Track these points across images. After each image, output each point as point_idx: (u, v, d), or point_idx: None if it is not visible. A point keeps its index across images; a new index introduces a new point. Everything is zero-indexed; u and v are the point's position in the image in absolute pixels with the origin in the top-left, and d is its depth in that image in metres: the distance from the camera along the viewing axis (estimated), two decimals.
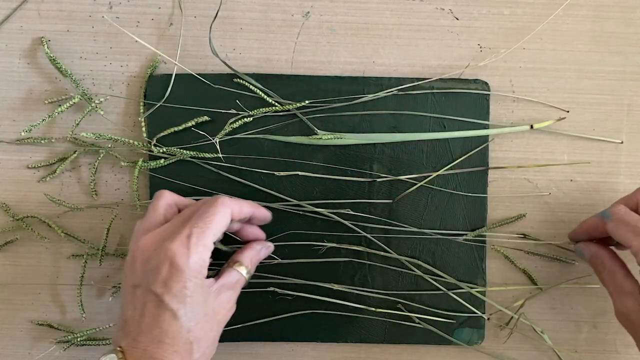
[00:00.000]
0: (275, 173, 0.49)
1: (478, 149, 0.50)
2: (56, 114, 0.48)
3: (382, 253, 0.50)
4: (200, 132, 0.49)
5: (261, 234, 0.47)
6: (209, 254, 0.40)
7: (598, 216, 0.45)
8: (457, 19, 0.50)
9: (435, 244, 0.50)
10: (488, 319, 0.50)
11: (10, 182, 0.50)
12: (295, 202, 0.49)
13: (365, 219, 0.50)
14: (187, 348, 0.38)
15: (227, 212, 0.41)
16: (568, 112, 0.50)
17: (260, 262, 0.49)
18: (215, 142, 0.49)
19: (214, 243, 0.40)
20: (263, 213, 0.46)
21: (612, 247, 0.46)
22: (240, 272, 0.43)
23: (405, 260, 0.50)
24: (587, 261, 0.47)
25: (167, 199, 0.43)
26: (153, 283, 0.38)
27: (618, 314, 0.43)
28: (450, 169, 0.50)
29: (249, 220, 0.46)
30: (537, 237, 0.51)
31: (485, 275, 0.50)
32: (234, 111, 0.49)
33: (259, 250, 0.46)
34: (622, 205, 0.43)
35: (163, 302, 0.37)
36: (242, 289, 0.50)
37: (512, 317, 0.50)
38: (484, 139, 0.50)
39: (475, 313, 0.50)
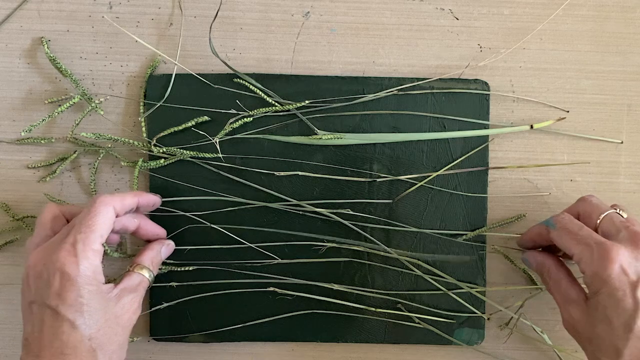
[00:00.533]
0: (275, 173, 0.49)
1: (478, 149, 0.50)
2: (56, 114, 0.48)
3: (382, 253, 0.50)
4: (200, 132, 0.49)
5: (161, 231, 0.47)
6: (100, 257, 0.40)
7: (542, 224, 0.45)
8: (457, 19, 0.50)
9: (435, 244, 0.50)
10: (488, 319, 0.50)
11: (10, 182, 0.50)
12: (295, 202, 0.49)
13: (365, 219, 0.50)
14: (91, 356, 0.38)
15: (108, 210, 0.41)
16: (568, 112, 0.50)
17: (260, 263, 0.49)
18: (215, 142, 0.49)
19: (105, 248, 0.41)
20: (149, 199, 0.46)
21: (561, 256, 0.46)
22: (141, 275, 0.43)
23: (405, 260, 0.50)
24: (534, 270, 0.47)
25: (52, 211, 0.43)
26: (47, 297, 0.38)
27: (565, 322, 0.43)
28: (450, 169, 0.50)
29: (137, 210, 0.45)
30: None
31: (485, 275, 0.50)
32: (234, 111, 0.49)
33: (159, 250, 0.46)
34: (565, 213, 0.43)
35: (59, 313, 0.37)
36: (242, 289, 0.50)
37: (512, 317, 0.50)
38: (484, 139, 0.50)
39: (475, 313, 0.50)
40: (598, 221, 0.42)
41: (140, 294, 0.43)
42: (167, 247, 0.47)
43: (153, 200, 0.46)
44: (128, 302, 0.41)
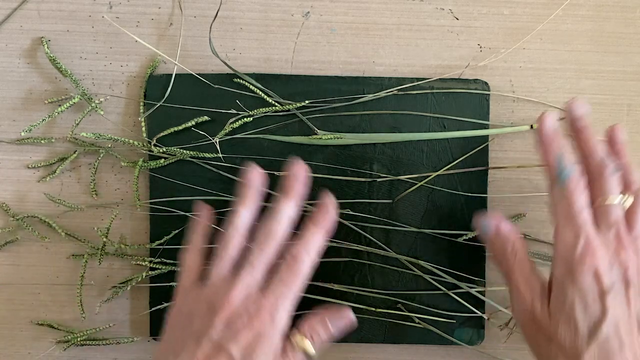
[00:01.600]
0: (275, 173, 0.49)
1: (478, 149, 0.50)
2: (56, 114, 0.48)
3: (382, 253, 0.50)
4: (200, 132, 0.49)
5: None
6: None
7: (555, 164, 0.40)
8: (457, 19, 0.50)
9: (435, 244, 0.50)
10: (488, 319, 0.50)
11: (10, 182, 0.50)
12: None
13: (365, 219, 0.50)
14: None
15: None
16: None
17: None
18: (215, 142, 0.49)
19: None
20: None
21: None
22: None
23: (405, 260, 0.50)
24: (487, 240, 0.43)
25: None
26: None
27: (521, 313, 0.40)
28: (450, 169, 0.50)
29: None
30: (537, 237, 0.51)
31: (485, 275, 0.50)
32: (234, 111, 0.49)
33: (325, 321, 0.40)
34: (580, 175, 0.39)
35: None
36: None
37: (512, 317, 0.50)
38: (484, 139, 0.50)
39: (475, 313, 0.50)
40: (599, 200, 0.39)
41: None
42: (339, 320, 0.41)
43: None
44: None
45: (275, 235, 0.39)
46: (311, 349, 0.38)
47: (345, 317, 0.41)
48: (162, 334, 0.39)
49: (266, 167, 0.49)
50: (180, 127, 0.49)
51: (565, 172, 0.40)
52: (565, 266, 0.38)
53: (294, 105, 0.49)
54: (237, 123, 0.49)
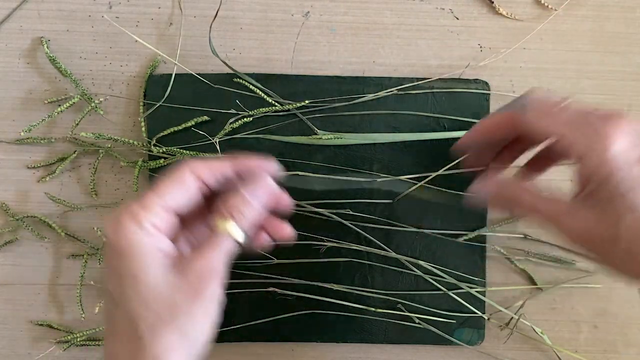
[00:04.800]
0: None
1: None
2: (56, 114, 0.48)
3: (383, 253, 0.50)
4: (200, 132, 0.49)
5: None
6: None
7: (507, 111, 0.37)
8: (457, 18, 0.50)
9: (435, 244, 0.50)
10: (488, 319, 0.50)
11: (10, 182, 0.50)
12: (295, 202, 0.49)
13: (365, 219, 0.50)
14: None
15: (184, 175, 0.33)
16: None
17: (260, 262, 0.49)
18: (215, 142, 0.49)
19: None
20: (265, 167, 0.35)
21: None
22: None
23: (405, 260, 0.50)
24: (489, 201, 0.39)
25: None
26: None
27: (572, 235, 0.34)
28: (450, 169, 0.50)
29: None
30: (537, 237, 0.51)
31: (485, 275, 0.50)
32: (234, 111, 0.49)
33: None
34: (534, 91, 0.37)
35: None
36: (242, 289, 0.50)
37: (512, 317, 0.50)
38: None
39: (475, 313, 0.50)
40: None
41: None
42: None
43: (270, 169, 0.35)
44: None
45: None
46: (237, 232, 0.32)
47: (264, 183, 0.34)
48: None
49: None
50: (180, 127, 0.49)
51: (516, 102, 0.38)
52: (594, 155, 0.32)
53: (294, 105, 0.49)
54: (237, 123, 0.49)
